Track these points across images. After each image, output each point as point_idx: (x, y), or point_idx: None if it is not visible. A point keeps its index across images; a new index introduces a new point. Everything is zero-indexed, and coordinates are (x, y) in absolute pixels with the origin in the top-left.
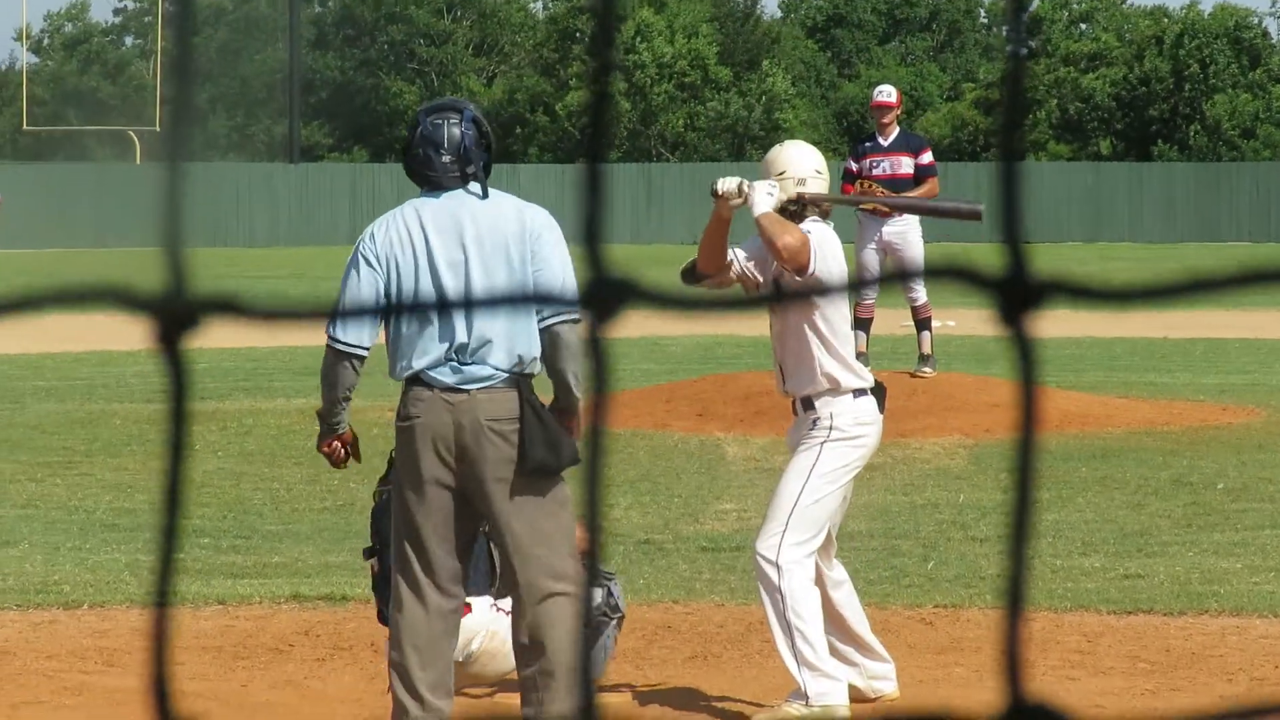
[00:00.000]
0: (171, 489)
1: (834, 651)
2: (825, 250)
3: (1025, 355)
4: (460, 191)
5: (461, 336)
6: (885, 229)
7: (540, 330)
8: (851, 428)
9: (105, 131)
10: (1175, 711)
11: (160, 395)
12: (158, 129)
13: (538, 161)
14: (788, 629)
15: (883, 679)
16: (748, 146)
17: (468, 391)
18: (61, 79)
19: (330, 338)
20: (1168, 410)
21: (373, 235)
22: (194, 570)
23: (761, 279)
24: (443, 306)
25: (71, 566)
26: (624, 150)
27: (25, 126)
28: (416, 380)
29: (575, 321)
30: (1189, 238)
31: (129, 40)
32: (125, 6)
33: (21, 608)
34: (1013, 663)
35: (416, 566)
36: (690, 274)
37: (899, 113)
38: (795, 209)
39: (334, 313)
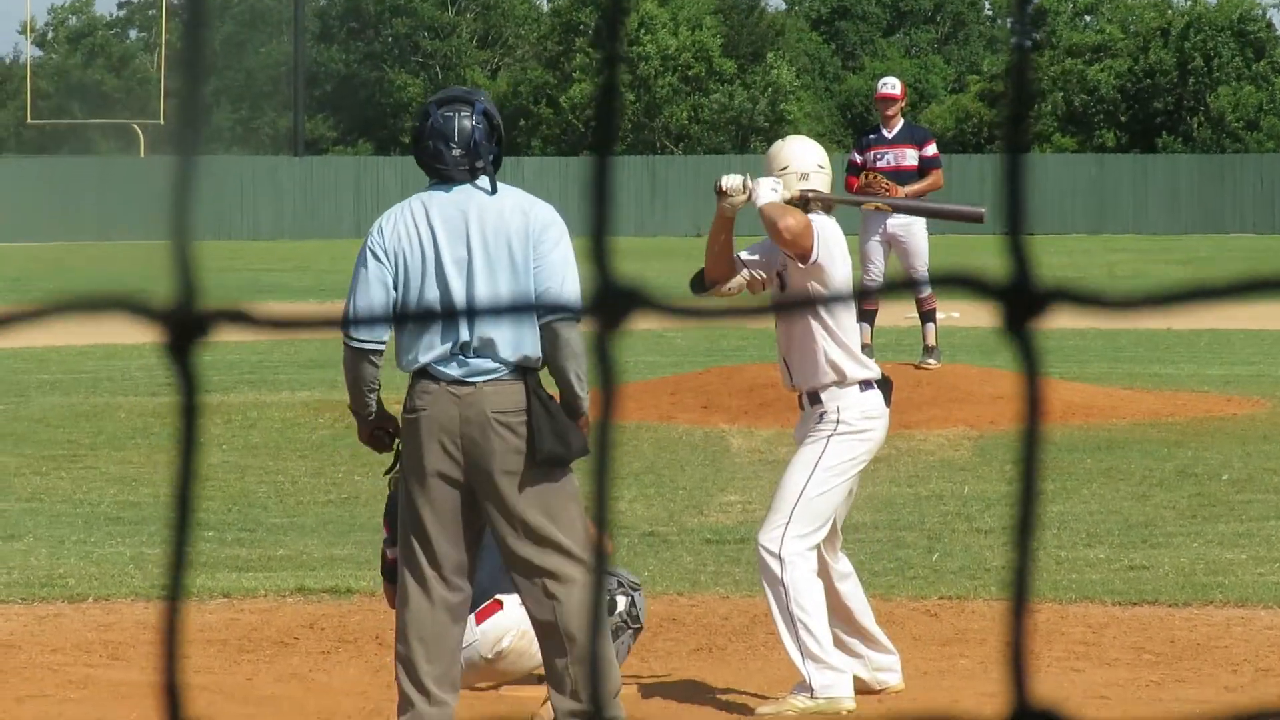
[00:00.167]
0: (182, 499)
1: (838, 643)
2: (828, 239)
3: (1030, 361)
4: (469, 186)
5: (465, 334)
6: (890, 222)
7: (540, 328)
8: (859, 421)
9: (109, 125)
10: (1178, 703)
11: (166, 388)
12: (162, 122)
13: (541, 154)
14: (791, 621)
15: (887, 670)
16: (752, 139)
17: (474, 384)
18: (66, 72)
19: (346, 336)
20: (1172, 401)
21: (380, 230)
22: (199, 563)
23: (766, 275)
24: (445, 304)
25: (76, 560)
26: (628, 143)
27: (29, 120)
28: (423, 373)
29: (575, 319)
30: (1193, 229)
31: (133, 33)
32: (130, 0)
33: (26, 601)
34: (1018, 668)
35: (422, 559)
36: (699, 283)
37: (903, 105)
38: (799, 205)
39: (346, 310)
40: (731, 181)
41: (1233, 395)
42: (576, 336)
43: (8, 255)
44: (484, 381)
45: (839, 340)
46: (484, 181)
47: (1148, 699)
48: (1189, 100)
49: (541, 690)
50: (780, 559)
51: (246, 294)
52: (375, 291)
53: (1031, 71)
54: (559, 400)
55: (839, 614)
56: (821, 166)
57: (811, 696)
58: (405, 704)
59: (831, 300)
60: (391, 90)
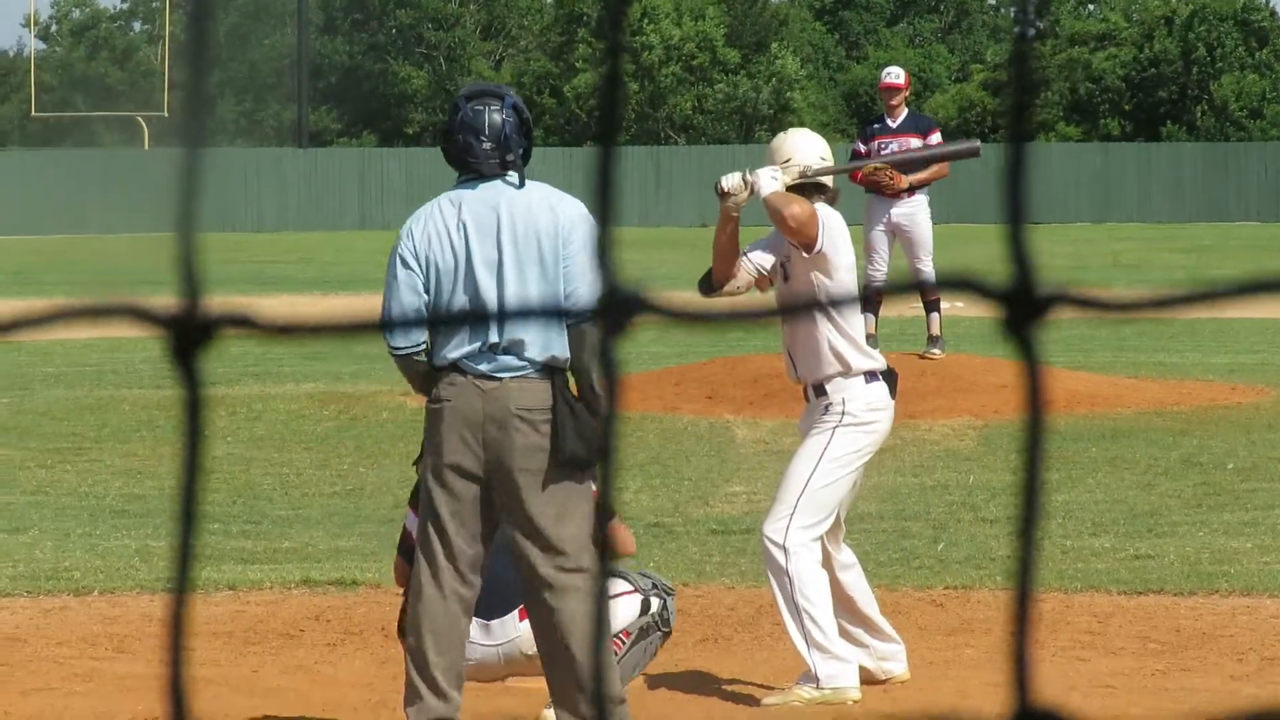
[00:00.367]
0: (187, 502)
1: (843, 633)
2: (832, 229)
3: (1032, 364)
4: (498, 182)
5: (495, 334)
6: (894, 210)
7: (567, 328)
8: (864, 413)
9: (113, 117)
10: (1183, 692)
11: (170, 381)
12: (166, 114)
13: (545, 145)
14: (796, 611)
15: (892, 660)
16: (756, 128)
17: (500, 379)
18: (69, 65)
19: (390, 347)
20: (1177, 390)
21: (410, 233)
22: (204, 556)
23: (770, 267)
24: (475, 303)
25: (82, 553)
26: (632, 133)
27: (33, 113)
28: (452, 367)
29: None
30: (1197, 218)
31: (137, 25)
32: None
33: (32, 594)
34: (1021, 670)
35: (439, 550)
36: (706, 284)
37: (907, 94)
38: (801, 195)
39: (384, 321)
40: (732, 181)
41: (1237, 384)
42: (597, 338)
43: (11, 248)
44: (510, 378)
45: (843, 332)
46: (513, 176)
47: (1153, 688)
48: (1193, 89)
49: (545, 683)
50: (785, 549)
51: (251, 286)
52: (408, 298)
53: (1034, 62)
54: (579, 398)
55: (843, 604)
56: (824, 159)
57: (817, 686)
58: (413, 695)
59: (836, 294)
60: (395, 82)
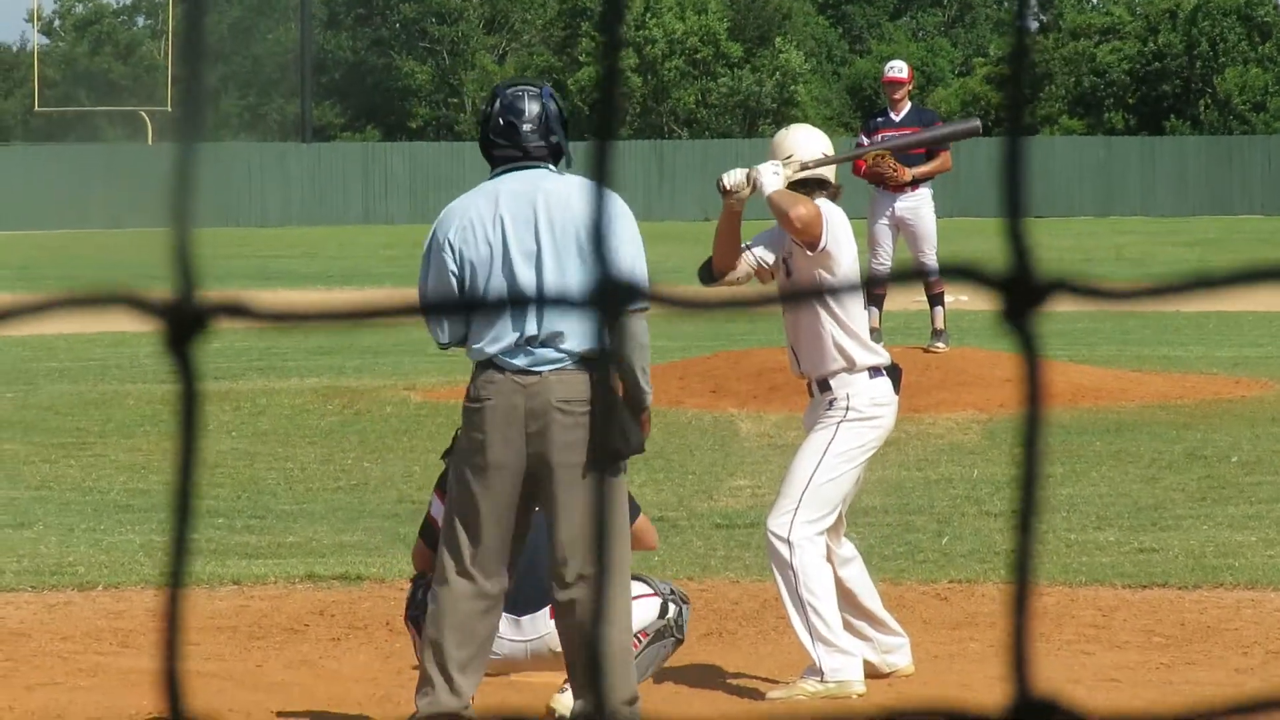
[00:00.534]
0: (182, 496)
1: (847, 627)
2: (835, 226)
3: (1031, 353)
4: (537, 172)
5: (531, 328)
6: (897, 204)
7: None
8: (868, 408)
9: (117, 112)
10: (1188, 685)
11: (174, 376)
12: (169, 109)
13: None
14: (801, 605)
15: (896, 652)
16: (760, 122)
17: (539, 374)
18: (73, 60)
19: (437, 343)
20: (1181, 384)
21: (445, 222)
22: (208, 550)
23: (772, 262)
24: (514, 297)
25: (86, 548)
26: (635, 127)
27: (37, 108)
28: (489, 364)
29: (641, 310)
30: (1201, 211)
31: (140, 20)
32: None
33: (36, 589)
34: (1020, 659)
35: (466, 546)
36: (707, 273)
37: (911, 88)
38: (803, 191)
39: (426, 318)
40: (733, 179)
41: (1241, 377)
42: (643, 329)
43: (15, 243)
44: (550, 370)
45: (847, 327)
46: (552, 166)
47: (1158, 682)
48: (1196, 83)
49: (552, 676)
50: (789, 543)
51: (254, 281)
52: (443, 290)
53: (1035, 54)
54: (623, 394)
55: (845, 598)
56: (825, 155)
57: (822, 680)
58: (425, 685)
59: (839, 290)
60: (399, 76)
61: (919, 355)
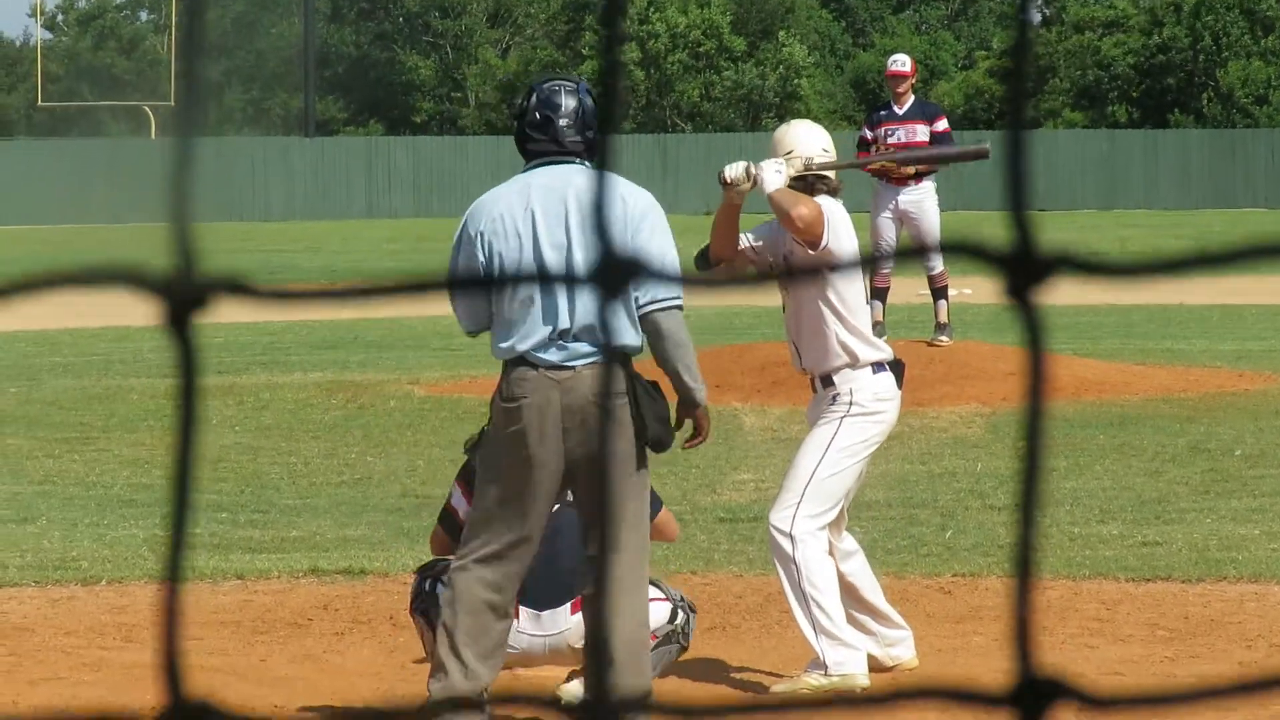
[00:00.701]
0: (182, 475)
1: (850, 621)
2: (836, 224)
3: (1033, 329)
4: (570, 166)
5: (565, 321)
6: (901, 197)
7: (640, 319)
8: (871, 403)
9: (120, 107)
10: (1192, 679)
11: (173, 355)
12: (173, 104)
13: None
14: (804, 599)
15: (900, 646)
16: (763, 116)
17: (573, 368)
18: (76, 55)
19: (466, 332)
20: (1185, 377)
21: (474, 215)
22: (212, 545)
23: (772, 260)
24: (545, 289)
25: (89, 542)
26: (639, 121)
27: (40, 103)
28: (520, 361)
29: (675, 308)
30: (1204, 205)
31: (143, 15)
32: None
33: (40, 584)
34: (1023, 635)
35: (492, 544)
36: (704, 260)
37: (914, 81)
38: (804, 186)
39: (454, 307)
40: (735, 172)
41: (1245, 370)
42: (677, 325)
43: (18, 237)
44: (583, 365)
45: (848, 323)
46: (587, 162)
47: (1162, 675)
48: (1199, 76)
49: (555, 671)
50: (791, 537)
51: (257, 275)
52: (473, 285)
53: (1037, 46)
54: (677, 401)
55: (848, 592)
56: (826, 150)
57: (825, 674)
58: (439, 670)
59: (839, 268)
60: (402, 70)
61: (923, 349)
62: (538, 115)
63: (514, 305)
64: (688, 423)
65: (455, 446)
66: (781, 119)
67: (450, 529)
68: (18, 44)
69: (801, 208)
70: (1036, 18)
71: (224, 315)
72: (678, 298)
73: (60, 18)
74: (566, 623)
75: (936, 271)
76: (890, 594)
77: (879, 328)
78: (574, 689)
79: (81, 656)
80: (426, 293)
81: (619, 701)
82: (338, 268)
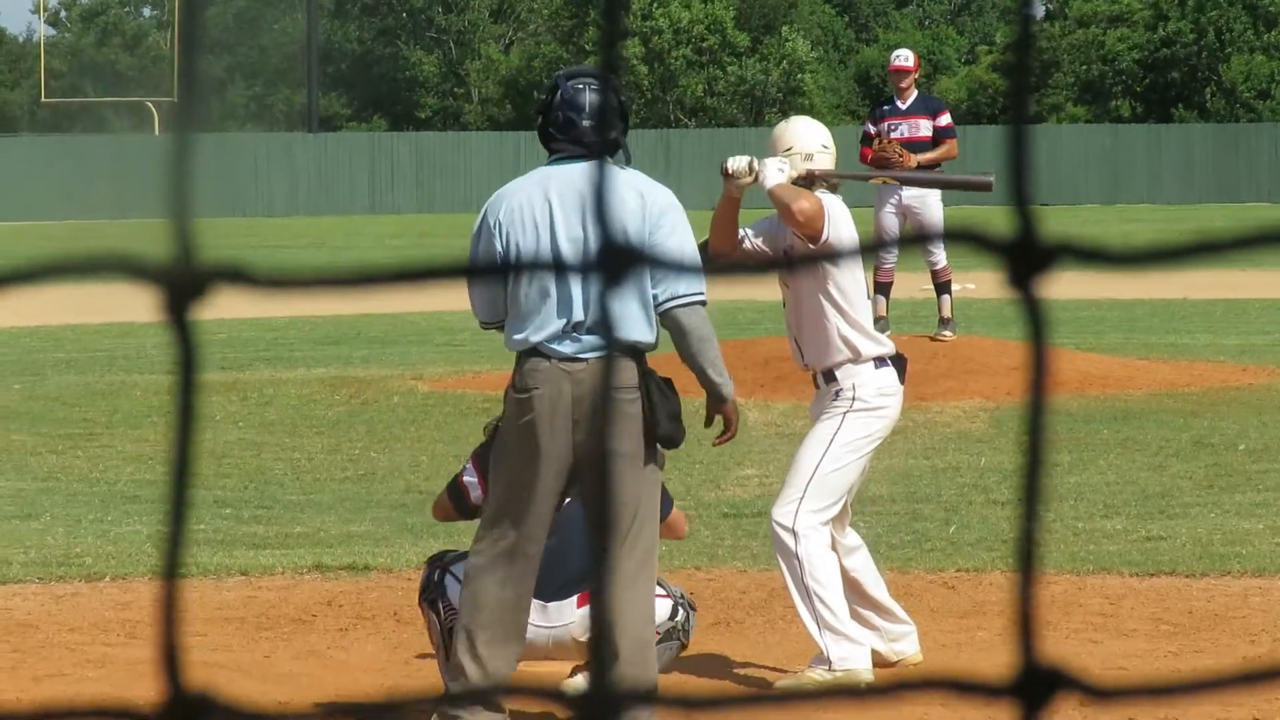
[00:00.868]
0: (180, 466)
1: (854, 616)
2: (836, 219)
3: (1035, 317)
4: (589, 162)
5: (579, 313)
6: (904, 192)
7: (661, 315)
8: (874, 398)
9: (123, 103)
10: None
11: (171, 343)
12: (176, 100)
13: None
14: (807, 594)
15: (904, 641)
16: (766, 111)
17: (586, 360)
18: (79, 51)
19: (481, 323)
20: (1188, 371)
21: (493, 207)
22: (216, 541)
23: (771, 253)
24: (560, 281)
25: (93, 539)
26: (642, 116)
27: (43, 99)
28: (534, 352)
29: (699, 303)
30: (1208, 199)
31: (146, 11)
32: None
33: (43, 580)
34: (1025, 626)
35: (506, 537)
36: (702, 253)
37: (917, 76)
38: (804, 182)
39: (470, 297)
40: (737, 164)
41: (1248, 365)
42: (700, 320)
43: (22, 233)
44: (596, 357)
45: (850, 318)
46: (610, 158)
47: (1166, 670)
48: (1203, 71)
49: (556, 666)
50: (794, 533)
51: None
52: (490, 276)
53: (1041, 41)
54: (705, 397)
55: (851, 587)
56: (826, 147)
57: (829, 669)
58: (457, 670)
59: (838, 259)
60: (406, 66)
61: (926, 343)
62: (560, 116)
63: (529, 297)
64: (717, 419)
65: (459, 442)
66: (785, 114)
67: (455, 497)
68: (21, 40)
69: (802, 201)
70: (1039, 12)
71: (227, 311)
72: (700, 293)
73: (63, 14)
74: (572, 615)
75: (940, 266)
76: (894, 589)
77: (882, 323)
78: (579, 684)
79: (85, 653)
80: (425, 281)
81: (624, 695)
82: (341, 263)
